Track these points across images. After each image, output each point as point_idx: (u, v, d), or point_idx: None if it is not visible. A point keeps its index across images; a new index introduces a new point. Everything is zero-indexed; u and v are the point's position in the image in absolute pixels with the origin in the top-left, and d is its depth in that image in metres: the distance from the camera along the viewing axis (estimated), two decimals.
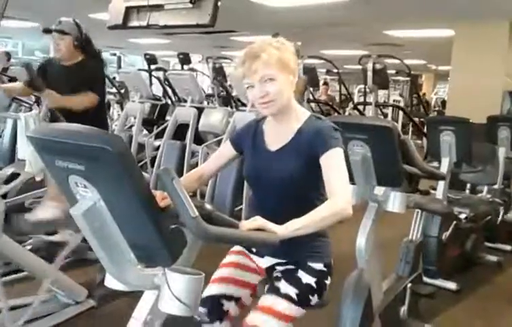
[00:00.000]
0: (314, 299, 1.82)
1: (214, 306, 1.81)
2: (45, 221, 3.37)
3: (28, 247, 3.57)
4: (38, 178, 3.26)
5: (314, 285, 1.82)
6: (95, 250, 1.27)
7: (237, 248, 1.98)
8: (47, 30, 3.51)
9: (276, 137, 1.84)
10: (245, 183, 4.51)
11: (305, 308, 1.81)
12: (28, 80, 3.40)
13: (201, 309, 1.78)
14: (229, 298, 1.84)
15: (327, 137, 1.71)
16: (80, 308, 3.02)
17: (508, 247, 4.71)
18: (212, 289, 1.85)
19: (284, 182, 1.76)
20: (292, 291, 1.78)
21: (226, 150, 1.99)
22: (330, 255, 1.89)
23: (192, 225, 1.24)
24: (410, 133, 10.80)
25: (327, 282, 1.87)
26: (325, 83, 11.10)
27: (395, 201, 2.48)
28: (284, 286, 1.79)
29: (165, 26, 3.18)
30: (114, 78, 8.95)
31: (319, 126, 1.76)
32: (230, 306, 1.84)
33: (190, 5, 2.94)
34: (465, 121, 3.86)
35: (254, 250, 1.93)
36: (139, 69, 8.81)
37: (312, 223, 1.57)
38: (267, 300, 1.78)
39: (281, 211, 1.58)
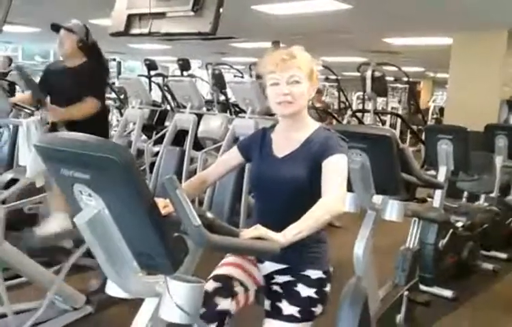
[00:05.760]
0: (318, 309, 1.85)
1: (227, 283, 1.80)
2: (54, 234, 3.38)
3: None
4: (38, 185, 3.27)
5: (314, 295, 1.84)
6: (98, 257, 1.29)
7: (230, 260, 1.96)
8: (56, 27, 3.54)
9: (285, 144, 1.88)
10: (243, 191, 4.54)
11: (312, 319, 1.83)
12: (33, 96, 3.41)
13: (214, 284, 1.78)
14: (240, 283, 1.84)
15: (333, 144, 1.78)
16: (78, 315, 3.03)
17: (503, 255, 4.74)
18: (225, 270, 1.86)
19: (290, 188, 1.80)
20: (294, 310, 1.80)
21: (233, 157, 2.02)
22: (329, 261, 1.91)
23: (194, 234, 1.26)
24: (408, 140, 10.84)
25: (327, 289, 1.89)
26: (318, 90, 11.13)
27: (393, 209, 2.50)
28: (285, 307, 1.81)
29: (167, 34, 3.21)
30: (114, 83, 8.96)
31: (327, 135, 1.82)
32: (240, 291, 1.82)
33: (192, 13, 2.96)
34: (462, 130, 3.89)
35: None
36: (139, 75, 8.84)
37: (309, 225, 1.58)
38: (272, 325, 1.81)
39: (286, 217, 1.60)
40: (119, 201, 1.21)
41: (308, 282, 1.85)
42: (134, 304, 1.45)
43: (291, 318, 1.80)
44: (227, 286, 1.79)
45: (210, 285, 1.77)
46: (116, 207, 1.22)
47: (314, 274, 1.86)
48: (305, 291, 1.83)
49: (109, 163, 1.13)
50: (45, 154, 1.28)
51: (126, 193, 1.18)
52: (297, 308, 1.81)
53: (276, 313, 1.82)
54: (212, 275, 1.83)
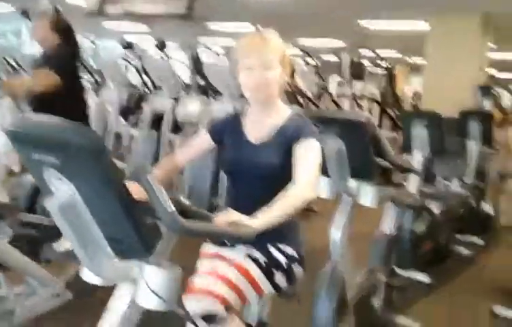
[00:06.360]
0: (281, 278, 1.84)
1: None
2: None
3: (6, 240, 3.53)
4: (16, 170, 3.21)
5: (284, 264, 1.84)
6: (71, 243, 1.27)
7: (209, 250, 1.94)
8: (25, 13, 3.48)
9: (258, 130, 1.87)
10: (222, 174, 4.52)
11: (271, 283, 1.82)
12: None
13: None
14: None
15: (305, 130, 1.80)
16: (57, 301, 3.00)
17: (479, 240, 4.83)
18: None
19: (265, 174, 1.81)
20: (260, 258, 1.81)
21: (202, 141, 2.01)
22: (302, 245, 1.92)
23: (167, 220, 1.25)
24: (386, 125, 10.90)
25: (298, 270, 1.89)
26: (291, 74, 11.07)
27: (368, 194, 2.52)
28: (253, 252, 1.81)
29: (142, 15, 3.16)
30: (89, 65, 8.79)
31: (300, 121, 1.84)
32: None
33: None
34: (437, 116, 3.93)
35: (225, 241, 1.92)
36: (116, 57, 8.68)
37: (282, 211, 1.61)
38: (236, 259, 1.81)
39: (260, 203, 1.61)
40: (89, 186, 1.19)
41: (281, 252, 1.85)
42: (114, 290, 1.43)
43: (255, 260, 1.79)
44: None
45: None
46: (87, 192, 1.20)
47: (287, 249, 1.87)
48: (276, 254, 1.84)
49: (77, 147, 1.11)
50: (14, 138, 1.26)
51: (95, 178, 1.17)
52: (264, 258, 1.81)
53: (243, 254, 1.82)
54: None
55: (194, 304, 1.63)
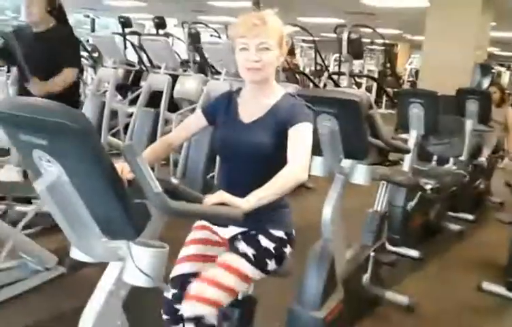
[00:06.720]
0: (271, 264, 1.87)
1: (184, 285, 1.82)
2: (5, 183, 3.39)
3: None
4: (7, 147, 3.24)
5: (272, 250, 1.86)
6: (60, 223, 1.29)
7: (201, 223, 2.00)
8: None
9: (251, 109, 1.87)
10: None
11: (262, 271, 1.85)
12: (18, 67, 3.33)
13: (172, 291, 1.81)
14: (197, 275, 1.85)
15: (299, 112, 1.80)
16: (50, 275, 3.04)
17: (470, 216, 4.88)
18: (181, 268, 1.88)
19: (255, 154, 1.81)
20: (249, 251, 1.83)
21: (197, 120, 2.01)
22: (291, 225, 1.94)
23: (155, 201, 1.27)
24: (384, 103, 10.88)
25: (287, 251, 1.92)
26: (290, 52, 11.04)
27: (360, 173, 2.55)
28: (242, 246, 1.85)
29: None
30: (87, 41, 8.76)
31: (293, 103, 1.84)
32: None
33: None
34: (433, 94, 3.93)
35: None
36: (114, 33, 8.64)
37: (272, 191, 1.62)
38: (225, 256, 1.84)
39: (250, 183, 1.61)
40: (77, 167, 1.20)
41: (270, 236, 1.87)
42: (107, 265, 1.46)
43: (244, 255, 1.83)
44: (183, 289, 1.82)
45: (168, 293, 1.82)
46: (75, 173, 1.22)
47: (276, 232, 1.89)
48: (265, 242, 1.86)
49: (63, 128, 1.12)
50: (2, 119, 1.27)
51: (83, 159, 1.18)
52: (253, 251, 1.84)
53: (231, 250, 1.86)
54: (171, 276, 1.85)
55: (188, 310, 1.76)
